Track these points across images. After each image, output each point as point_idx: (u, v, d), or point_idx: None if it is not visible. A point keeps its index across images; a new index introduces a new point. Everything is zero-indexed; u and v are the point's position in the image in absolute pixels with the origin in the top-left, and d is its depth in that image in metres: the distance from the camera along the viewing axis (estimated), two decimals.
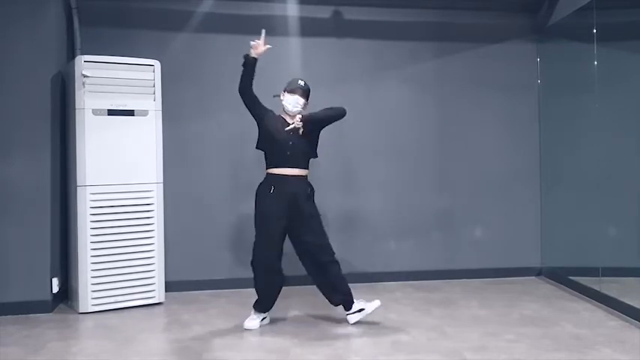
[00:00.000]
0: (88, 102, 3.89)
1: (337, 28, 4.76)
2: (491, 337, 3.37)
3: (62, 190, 4.12)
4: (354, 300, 3.65)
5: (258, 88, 4.62)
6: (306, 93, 3.65)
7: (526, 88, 4.95)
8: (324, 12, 4.72)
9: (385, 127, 4.74)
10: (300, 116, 3.53)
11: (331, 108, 3.64)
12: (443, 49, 4.87)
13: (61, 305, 4.10)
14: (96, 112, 3.92)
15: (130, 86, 4.01)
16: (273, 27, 4.64)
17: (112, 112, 3.96)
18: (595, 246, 4.09)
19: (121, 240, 3.98)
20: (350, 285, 4.52)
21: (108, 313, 3.90)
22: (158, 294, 4.11)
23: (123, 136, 3.99)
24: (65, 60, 4.21)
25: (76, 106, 3.90)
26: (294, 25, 4.67)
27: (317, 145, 3.66)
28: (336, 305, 3.70)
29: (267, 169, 3.61)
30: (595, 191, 4.10)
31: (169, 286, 4.30)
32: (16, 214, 3.85)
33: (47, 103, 3.93)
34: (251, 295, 4.40)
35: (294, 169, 3.54)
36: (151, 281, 4.08)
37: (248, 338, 3.38)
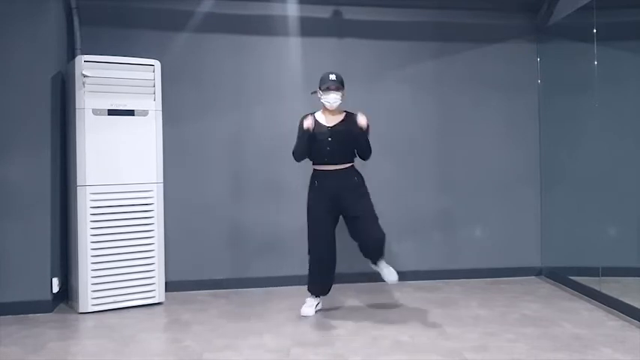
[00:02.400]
0: (88, 102, 3.89)
1: (337, 28, 4.76)
2: (491, 337, 3.37)
3: (62, 190, 4.12)
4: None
5: (258, 88, 4.66)
6: (341, 85, 3.73)
7: (526, 87, 4.95)
8: (324, 12, 4.72)
9: (385, 127, 4.73)
10: (363, 120, 3.64)
11: (370, 150, 3.78)
12: (443, 49, 4.87)
13: (61, 305, 4.10)
14: (96, 112, 3.92)
15: (130, 86, 4.01)
16: (273, 27, 4.67)
17: (112, 112, 3.96)
18: (595, 246, 4.09)
19: (121, 240, 3.98)
20: (350, 285, 4.55)
21: (108, 313, 3.90)
22: (158, 294, 4.11)
23: (123, 136, 3.99)
24: (65, 60, 4.21)
25: (76, 106, 3.90)
26: (294, 25, 4.67)
27: (362, 145, 3.76)
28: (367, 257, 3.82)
29: (312, 166, 3.83)
30: (595, 191, 4.10)
31: (169, 286, 4.30)
32: (16, 214, 3.85)
33: (47, 103, 3.93)
34: (251, 295, 4.42)
35: (335, 165, 3.73)
36: (151, 281, 4.08)
37: (248, 338, 3.38)
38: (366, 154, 3.80)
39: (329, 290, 3.94)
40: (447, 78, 4.88)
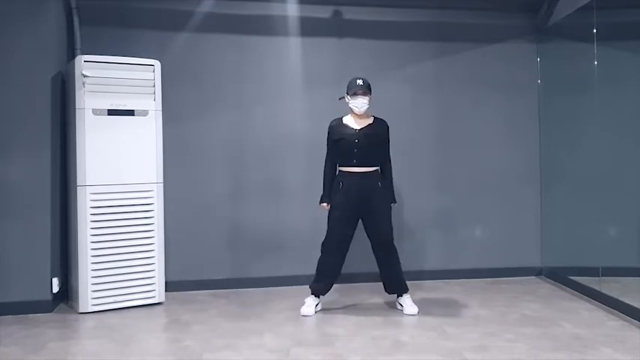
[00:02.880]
0: (88, 102, 3.89)
1: (337, 28, 4.75)
2: (491, 337, 3.37)
3: (62, 190, 4.12)
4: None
5: (258, 88, 4.66)
6: (368, 90, 3.83)
7: (526, 87, 4.95)
8: (324, 12, 4.72)
9: None
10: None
11: (391, 173, 3.95)
12: (443, 49, 4.87)
13: (61, 305, 4.10)
14: (96, 112, 3.92)
15: (130, 86, 4.01)
16: (273, 27, 4.67)
17: (112, 112, 3.96)
18: (595, 246, 4.09)
19: (121, 240, 3.98)
20: (350, 284, 4.55)
21: (108, 313, 3.90)
22: (158, 294, 4.11)
23: (123, 136, 3.99)
24: (65, 60, 4.21)
25: (76, 106, 3.90)
26: (294, 25, 4.67)
27: (383, 151, 3.91)
28: (391, 294, 3.99)
29: (339, 167, 3.88)
30: (595, 191, 4.10)
31: (169, 286, 4.30)
32: (16, 214, 3.85)
33: (47, 103, 3.93)
34: (251, 295, 4.42)
35: (361, 168, 3.79)
36: (151, 281, 4.08)
37: (248, 338, 3.38)
38: (386, 165, 3.93)
39: (329, 291, 3.97)
40: (447, 78, 4.88)
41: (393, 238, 3.89)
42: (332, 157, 3.90)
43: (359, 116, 3.85)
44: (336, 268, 3.90)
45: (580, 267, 4.45)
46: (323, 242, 3.89)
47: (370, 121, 3.88)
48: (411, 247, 4.78)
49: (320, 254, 3.90)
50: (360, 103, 3.79)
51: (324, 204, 3.89)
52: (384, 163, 3.92)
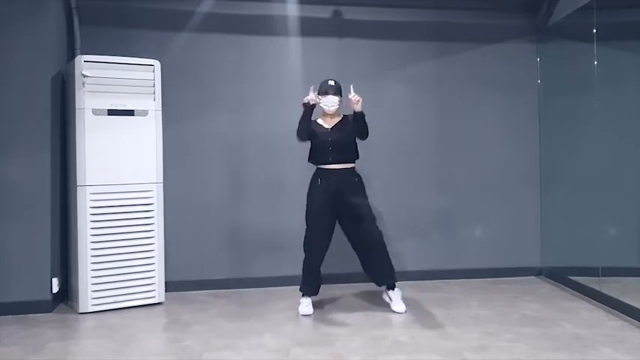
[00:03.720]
0: (88, 102, 3.89)
1: (337, 28, 4.75)
2: (491, 337, 3.37)
3: (62, 190, 4.12)
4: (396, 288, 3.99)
5: (258, 88, 4.66)
6: (338, 90, 3.89)
7: (526, 87, 4.95)
8: (324, 12, 4.72)
9: (385, 127, 4.74)
10: (354, 95, 3.76)
11: (367, 128, 3.85)
12: (443, 49, 4.87)
13: (61, 305, 4.10)
14: (96, 112, 3.92)
15: (130, 86, 4.01)
16: (273, 27, 4.67)
17: (111, 112, 3.96)
18: (595, 246, 4.09)
19: (121, 240, 3.98)
20: (350, 284, 4.56)
21: (108, 313, 3.90)
22: (158, 294, 4.11)
23: (123, 136, 3.99)
24: (65, 60, 4.21)
25: (76, 106, 3.90)
26: (294, 25, 4.67)
27: (356, 146, 3.93)
28: (381, 285, 4.00)
29: (316, 166, 3.92)
30: (595, 191, 4.10)
31: (169, 286, 4.30)
32: (16, 214, 3.85)
33: (47, 103, 3.93)
34: (251, 295, 4.42)
35: (338, 165, 3.85)
36: (151, 281, 4.08)
37: (248, 338, 3.38)
38: (363, 134, 3.88)
39: (318, 291, 4.00)
40: (446, 78, 4.88)
41: (381, 235, 3.90)
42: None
43: (330, 116, 3.92)
44: (319, 267, 3.91)
45: (580, 267, 4.45)
46: (304, 242, 3.90)
47: (340, 118, 3.94)
48: (411, 247, 4.78)
49: (305, 256, 3.90)
50: (330, 102, 3.84)
51: (310, 97, 3.80)
52: (361, 134, 3.88)
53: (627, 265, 4.13)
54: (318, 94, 3.87)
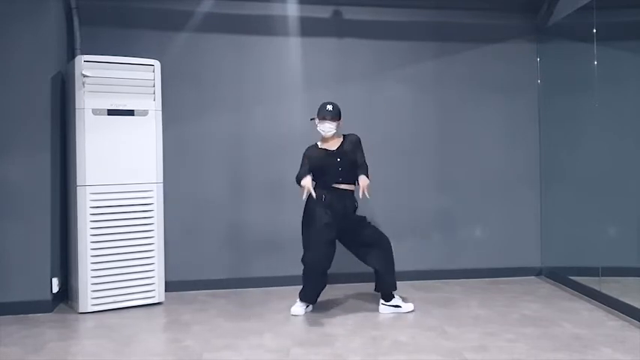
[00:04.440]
0: (88, 102, 3.89)
1: (337, 28, 4.75)
2: (491, 337, 3.37)
3: (62, 190, 4.12)
4: (394, 294, 3.96)
5: (258, 88, 4.66)
6: (336, 116, 3.88)
7: (526, 88, 4.95)
8: (324, 12, 4.72)
9: (385, 127, 4.74)
10: (365, 188, 3.77)
11: (366, 168, 3.90)
12: (443, 49, 4.87)
13: (61, 305, 4.10)
14: (96, 112, 3.92)
15: (130, 86, 4.01)
16: (273, 27, 4.67)
17: (111, 112, 3.96)
18: (595, 246, 4.09)
19: (121, 240, 3.98)
20: (350, 284, 4.55)
21: (108, 313, 3.90)
22: (158, 294, 4.11)
23: (123, 136, 3.99)
24: (65, 60, 4.21)
25: (76, 106, 3.90)
26: (294, 25, 4.67)
27: (361, 158, 3.95)
28: (378, 291, 3.97)
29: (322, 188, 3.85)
30: (595, 191, 4.10)
31: (169, 286, 4.30)
32: (16, 214, 3.85)
33: (47, 103, 3.93)
34: (250, 295, 4.42)
35: (345, 185, 3.86)
36: (151, 281, 4.08)
37: (248, 338, 3.38)
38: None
39: (317, 300, 3.99)
40: (447, 78, 4.88)
41: (389, 241, 3.96)
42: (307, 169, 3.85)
43: (330, 139, 3.90)
44: (324, 277, 3.89)
45: (580, 267, 4.45)
46: (306, 254, 3.82)
47: (341, 139, 3.93)
48: (411, 247, 4.78)
49: (305, 265, 3.83)
50: (326, 128, 3.85)
51: (306, 179, 3.73)
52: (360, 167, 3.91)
53: (627, 265, 4.13)
54: (317, 116, 3.87)
